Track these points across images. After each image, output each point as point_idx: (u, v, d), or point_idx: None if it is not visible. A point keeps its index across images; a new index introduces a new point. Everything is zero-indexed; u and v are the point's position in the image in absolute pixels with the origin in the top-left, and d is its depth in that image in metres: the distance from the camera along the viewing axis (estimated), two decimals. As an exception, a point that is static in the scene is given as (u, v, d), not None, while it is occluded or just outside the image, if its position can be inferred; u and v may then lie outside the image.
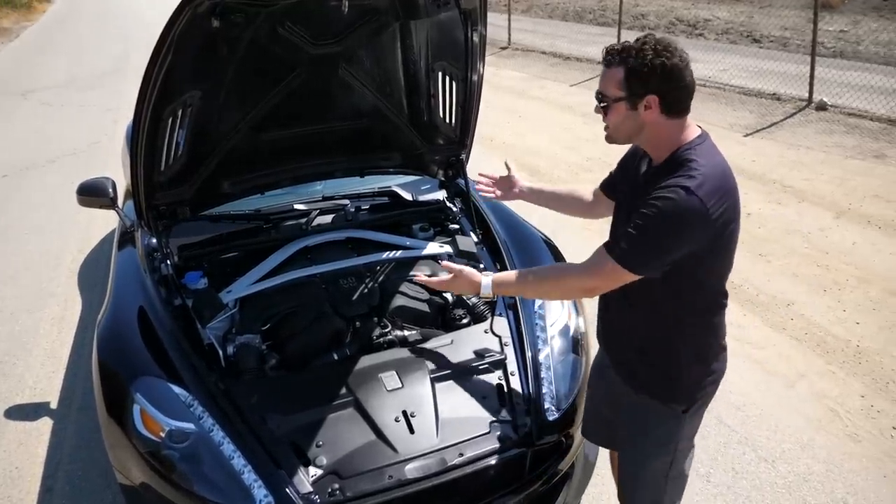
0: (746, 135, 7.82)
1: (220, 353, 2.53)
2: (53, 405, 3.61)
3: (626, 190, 2.02)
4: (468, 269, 2.08)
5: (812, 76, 8.45)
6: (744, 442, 3.22)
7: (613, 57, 1.78)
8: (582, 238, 5.35)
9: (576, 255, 3.05)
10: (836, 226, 5.42)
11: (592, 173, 6.86)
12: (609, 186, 2.25)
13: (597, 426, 2.33)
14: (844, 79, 8.55)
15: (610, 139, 1.89)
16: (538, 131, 8.60)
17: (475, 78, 2.90)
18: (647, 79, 1.72)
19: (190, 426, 2.17)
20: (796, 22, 13.38)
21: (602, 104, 1.82)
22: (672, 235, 1.70)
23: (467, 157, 3.36)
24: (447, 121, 3.13)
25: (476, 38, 2.76)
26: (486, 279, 2.02)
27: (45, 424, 3.46)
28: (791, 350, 3.91)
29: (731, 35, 13.92)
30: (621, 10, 12.07)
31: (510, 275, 2.04)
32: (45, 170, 7.68)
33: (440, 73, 2.93)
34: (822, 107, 8.27)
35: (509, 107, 9.52)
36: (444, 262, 2.01)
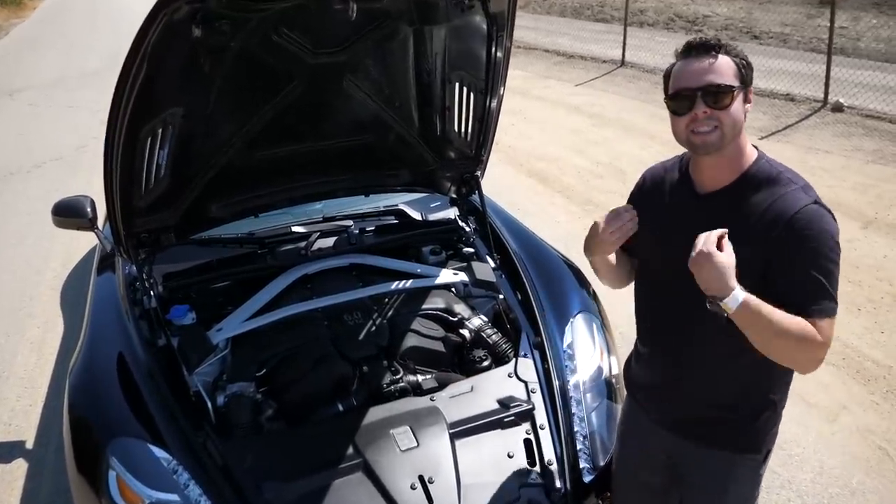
0: (762, 137, 7.52)
1: (209, 404, 2.23)
2: (29, 444, 3.30)
3: (675, 233, 1.68)
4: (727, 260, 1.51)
5: (828, 76, 8.16)
6: (787, 486, 2.93)
7: (714, 48, 1.57)
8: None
9: (590, 269, 2.83)
10: (864, 237, 5.14)
11: (603, 180, 6.56)
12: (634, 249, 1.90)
13: (639, 495, 2.02)
14: (856, 78, 8.26)
15: (717, 144, 1.56)
16: (545, 134, 8.30)
17: (498, 89, 2.60)
18: (750, 70, 1.60)
19: (174, 497, 1.90)
20: (796, 18, 13.20)
21: (726, 94, 1.53)
22: (838, 254, 1.55)
23: (482, 173, 3.06)
24: (462, 135, 2.83)
25: (501, 46, 2.46)
26: (739, 293, 1.48)
27: (19, 468, 3.15)
28: (829, 377, 3.62)
29: (731, 31, 13.73)
30: (627, 6, 11.76)
31: (760, 304, 1.50)
32: (30, 175, 7.36)
33: (457, 84, 2.62)
34: (838, 108, 7.99)
35: (513, 107, 9.19)
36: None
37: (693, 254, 1.50)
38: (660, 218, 1.77)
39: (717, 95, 1.54)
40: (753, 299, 1.49)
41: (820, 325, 1.53)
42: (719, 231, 1.51)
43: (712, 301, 1.50)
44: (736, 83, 1.55)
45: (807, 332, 1.49)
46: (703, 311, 1.64)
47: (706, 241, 1.49)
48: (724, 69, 1.55)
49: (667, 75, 1.65)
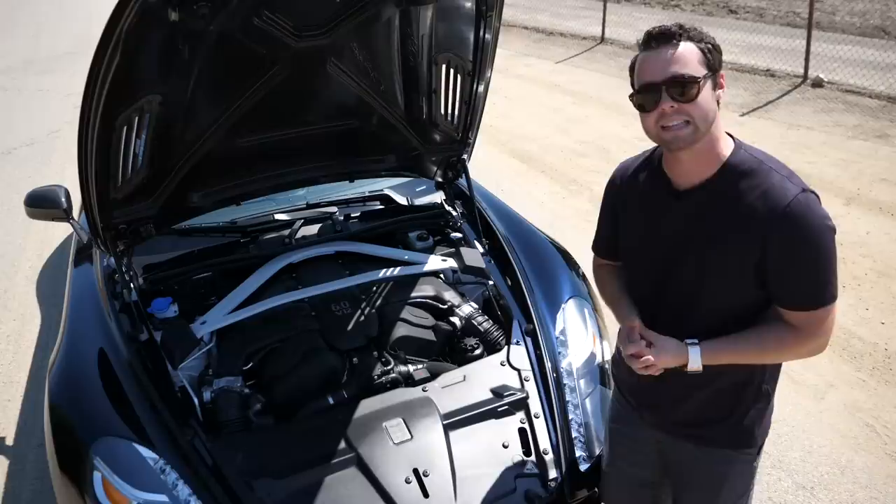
0: (743, 114, 7.52)
1: (195, 400, 2.17)
2: (9, 441, 3.22)
3: (658, 234, 1.65)
4: (670, 341, 1.58)
5: (808, 51, 8.16)
6: (778, 465, 2.95)
7: (675, 35, 1.47)
8: (579, 231, 5.04)
9: (577, 251, 2.87)
10: (847, 213, 5.16)
11: (588, 158, 6.52)
12: (613, 250, 1.86)
13: (630, 491, 1.99)
14: (835, 53, 8.26)
15: (689, 138, 1.48)
16: (526, 113, 8.23)
17: (486, 71, 2.53)
18: (718, 53, 1.52)
19: (162, 498, 1.85)
20: (772, -8, 13.22)
21: (691, 85, 1.45)
22: (834, 241, 1.50)
23: (469, 156, 3.00)
24: (448, 118, 2.77)
25: (490, 27, 2.39)
26: (694, 350, 1.54)
27: (-1, 465, 3.08)
28: (816, 356, 3.62)
29: (707, 6, 13.74)
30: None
31: (721, 346, 1.55)
32: (0, 162, 7.15)
33: (444, 66, 2.55)
34: (818, 83, 8.00)
35: (494, 86, 8.92)
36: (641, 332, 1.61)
37: (637, 368, 1.56)
38: (639, 219, 1.70)
39: (683, 87, 1.45)
40: (708, 343, 1.54)
41: (819, 315, 1.50)
42: (636, 340, 1.57)
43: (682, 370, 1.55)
44: (702, 71, 1.46)
45: (787, 342, 1.51)
46: (691, 311, 1.60)
47: (635, 357, 1.56)
48: (687, 58, 1.46)
49: (631, 69, 1.57)
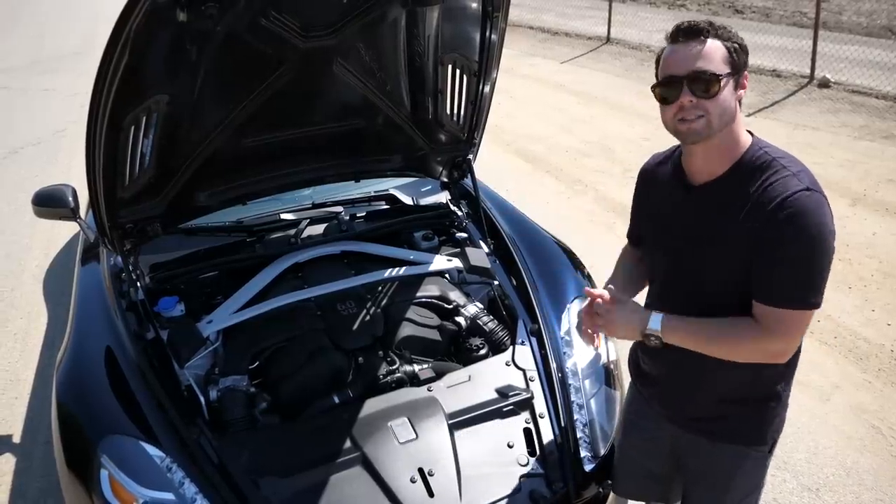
0: (749, 114, 7.50)
1: (202, 398, 2.18)
2: (16, 438, 3.24)
3: (670, 225, 1.68)
4: (619, 309, 1.65)
5: (814, 51, 8.14)
6: (783, 467, 2.94)
7: (703, 31, 1.49)
8: (583, 231, 5.04)
9: (582, 251, 2.89)
10: (854, 214, 5.15)
11: (593, 159, 6.52)
12: (639, 240, 1.94)
13: (640, 483, 2.02)
14: (842, 53, 8.23)
15: (703, 131, 1.50)
16: (531, 112, 8.23)
17: (492, 71, 2.54)
18: (745, 53, 1.53)
19: (168, 496, 1.86)
20: (779, -8, 13.19)
21: (712, 82, 1.47)
22: (830, 246, 1.47)
23: (475, 156, 3.01)
24: (454, 118, 2.77)
25: (496, 27, 2.39)
26: (656, 316, 1.58)
27: (6, 462, 3.08)
28: (822, 357, 3.63)
29: (713, 6, 13.72)
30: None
31: (681, 322, 1.58)
32: (6, 162, 7.17)
33: (450, 67, 2.56)
34: (824, 84, 7.98)
35: (499, 86, 8.88)
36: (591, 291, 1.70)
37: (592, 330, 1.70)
38: (656, 212, 1.74)
39: (704, 83, 1.47)
40: (671, 316, 1.58)
41: (786, 316, 1.46)
42: (592, 302, 1.68)
43: (645, 338, 1.60)
44: (725, 70, 1.48)
45: (746, 334, 1.51)
46: (706, 307, 1.61)
47: (588, 321, 1.70)
48: (712, 55, 1.48)
49: (657, 61, 1.59)
